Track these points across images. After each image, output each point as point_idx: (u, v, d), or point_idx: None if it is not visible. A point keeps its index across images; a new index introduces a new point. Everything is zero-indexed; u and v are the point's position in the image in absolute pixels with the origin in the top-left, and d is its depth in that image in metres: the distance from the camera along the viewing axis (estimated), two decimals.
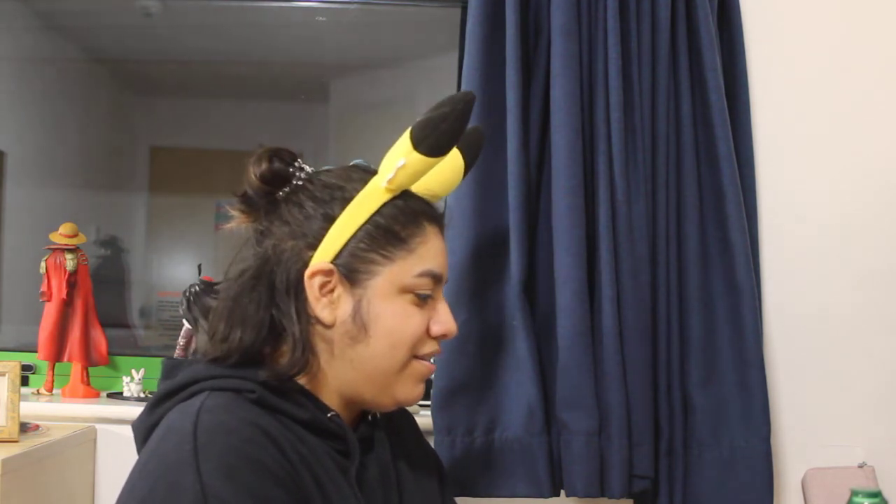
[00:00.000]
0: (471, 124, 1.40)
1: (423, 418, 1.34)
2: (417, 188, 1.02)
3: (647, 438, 1.39)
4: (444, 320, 1.01)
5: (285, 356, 0.94)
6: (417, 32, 2.21)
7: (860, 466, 1.53)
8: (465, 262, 1.41)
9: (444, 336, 1.02)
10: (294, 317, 0.93)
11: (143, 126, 2.46)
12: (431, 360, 1.03)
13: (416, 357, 0.99)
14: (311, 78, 2.39)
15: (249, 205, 0.99)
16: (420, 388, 1.02)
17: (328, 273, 0.94)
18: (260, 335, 0.93)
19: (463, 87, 1.45)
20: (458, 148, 1.11)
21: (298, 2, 2.16)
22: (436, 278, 0.99)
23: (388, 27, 2.23)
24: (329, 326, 0.95)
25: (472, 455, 1.40)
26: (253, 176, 0.96)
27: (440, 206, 1.07)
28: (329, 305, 0.95)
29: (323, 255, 0.94)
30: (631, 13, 1.44)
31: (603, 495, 1.37)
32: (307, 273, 0.94)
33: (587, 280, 1.38)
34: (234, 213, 1.00)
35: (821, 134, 1.60)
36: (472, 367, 1.40)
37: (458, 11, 1.79)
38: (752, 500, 1.41)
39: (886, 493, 1.29)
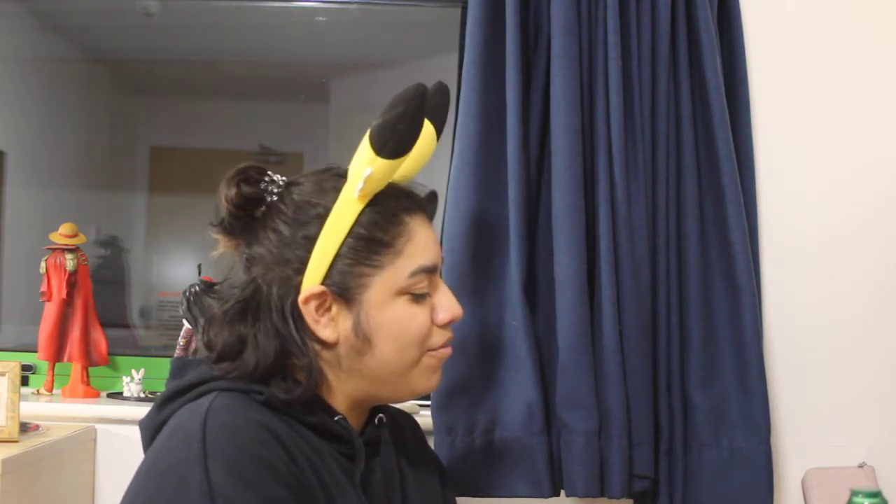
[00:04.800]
0: (471, 124, 1.42)
1: (423, 418, 1.34)
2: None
3: (647, 438, 1.39)
4: (447, 306, 1.00)
5: (298, 370, 0.94)
6: (417, 32, 2.21)
7: (860, 466, 1.53)
8: (465, 262, 1.41)
9: (451, 322, 1.01)
10: (299, 342, 0.93)
11: (143, 126, 2.46)
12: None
13: (428, 351, 0.99)
14: (311, 78, 2.39)
15: (229, 231, 0.98)
16: (437, 377, 1.02)
17: (321, 295, 0.94)
18: (270, 360, 0.93)
19: (463, 87, 1.45)
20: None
21: (298, 2, 2.16)
22: (429, 271, 0.98)
23: (388, 27, 2.23)
24: (333, 345, 0.95)
25: (472, 455, 1.40)
26: (225, 202, 0.95)
27: (421, 189, 1.05)
28: (330, 324, 0.95)
29: (312, 279, 0.94)
30: (631, 13, 1.44)
31: (603, 495, 1.37)
32: (300, 299, 0.94)
33: (587, 280, 1.38)
34: (217, 237, 0.99)
35: (821, 133, 1.60)
36: (472, 367, 1.40)
37: (458, 11, 1.79)
38: (752, 500, 1.41)
39: (886, 493, 1.29)
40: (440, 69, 1.95)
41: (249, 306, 0.94)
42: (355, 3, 2.11)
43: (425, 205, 1.03)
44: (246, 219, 0.97)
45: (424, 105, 0.97)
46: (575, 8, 1.42)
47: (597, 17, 1.44)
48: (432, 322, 0.99)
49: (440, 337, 1.00)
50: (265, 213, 0.96)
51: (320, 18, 2.20)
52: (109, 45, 2.40)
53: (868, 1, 1.62)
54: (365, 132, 0.96)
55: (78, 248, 1.69)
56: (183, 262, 2.33)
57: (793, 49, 1.60)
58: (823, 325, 1.57)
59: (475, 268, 1.42)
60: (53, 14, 2.28)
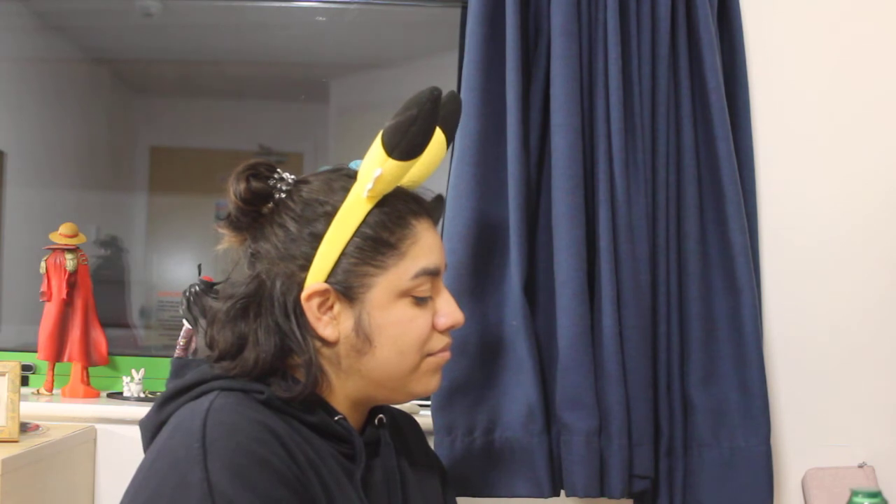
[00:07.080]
0: (471, 124, 1.42)
1: (423, 418, 1.34)
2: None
3: (647, 438, 1.39)
4: (448, 311, 1.00)
5: (297, 369, 0.95)
6: (417, 32, 2.21)
7: (860, 466, 1.53)
8: (465, 262, 1.41)
9: (451, 327, 1.01)
10: (299, 339, 0.93)
11: (143, 126, 2.46)
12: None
13: (428, 355, 0.99)
14: (311, 78, 2.40)
15: (235, 226, 0.98)
16: (436, 379, 1.02)
17: (324, 293, 0.94)
18: (270, 356, 0.93)
19: (463, 87, 1.45)
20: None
21: (298, 2, 2.16)
22: (432, 274, 0.98)
23: (388, 27, 2.23)
24: (334, 343, 0.95)
25: (472, 455, 1.40)
26: (234, 196, 0.95)
27: (428, 194, 1.05)
28: (331, 322, 0.95)
29: (316, 276, 0.94)
30: (631, 13, 1.45)
31: (603, 495, 1.37)
32: (303, 296, 0.94)
33: (587, 280, 1.38)
34: (223, 232, 0.99)
35: (820, 133, 1.60)
36: (472, 367, 1.40)
37: (458, 11, 1.79)
38: (752, 500, 1.42)
39: (886, 493, 1.29)
40: (440, 69, 1.95)
41: (252, 302, 0.94)
42: (355, 3, 2.11)
43: (431, 209, 1.04)
44: (253, 214, 0.97)
45: (438, 109, 0.97)
46: (575, 8, 1.42)
47: (597, 17, 1.44)
48: (433, 327, 0.99)
49: (440, 341, 1.00)
50: (273, 210, 0.97)
51: (320, 18, 2.20)
52: (109, 45, 2.40)
53: (868, 1, 1.62)
54: (365, 132, 0.96)
55: (78, 248, 1.69)
56: (183, 262, 2.33)
57: (793, 49, 1.60)
58: (823, 325, 1.57)
59: (475, 268, 1.42)
60: (54, 14, 2.28)
